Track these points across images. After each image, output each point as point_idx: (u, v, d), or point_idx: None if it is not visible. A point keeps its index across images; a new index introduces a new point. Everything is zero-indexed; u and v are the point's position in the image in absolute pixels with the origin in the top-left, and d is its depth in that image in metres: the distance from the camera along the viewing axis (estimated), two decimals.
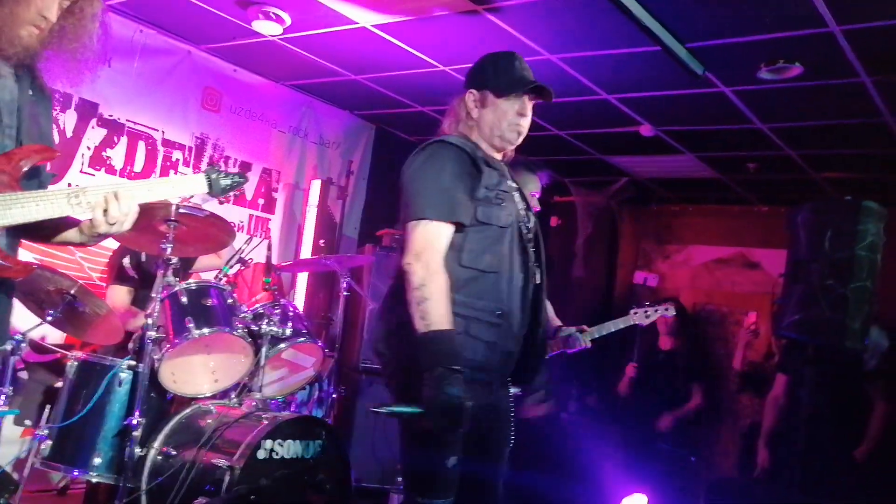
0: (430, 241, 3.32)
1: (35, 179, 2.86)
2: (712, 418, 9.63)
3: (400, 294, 3.38)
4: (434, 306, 3.20)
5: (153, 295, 4.97)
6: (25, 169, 2.76)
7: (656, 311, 6.12)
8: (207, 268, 6.22)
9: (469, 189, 3.45)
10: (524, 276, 3.63)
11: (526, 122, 3.73)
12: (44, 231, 2.89)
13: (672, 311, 6.22)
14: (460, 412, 3.11)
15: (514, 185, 3.75)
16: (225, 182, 3.13)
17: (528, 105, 3.73)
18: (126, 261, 5.81)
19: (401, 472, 3.56)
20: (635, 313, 6.03)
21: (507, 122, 3.66)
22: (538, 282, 3.75)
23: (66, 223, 2.89)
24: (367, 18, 6.01)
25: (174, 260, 5.03)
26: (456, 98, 3.82)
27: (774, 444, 6.57)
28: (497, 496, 3.72)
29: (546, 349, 4.02)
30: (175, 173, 7.08)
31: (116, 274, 5.87)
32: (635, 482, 7.08)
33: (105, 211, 2.77)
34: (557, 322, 5.54)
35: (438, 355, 3.17)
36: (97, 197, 2.80)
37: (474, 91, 3.72)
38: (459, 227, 3.41)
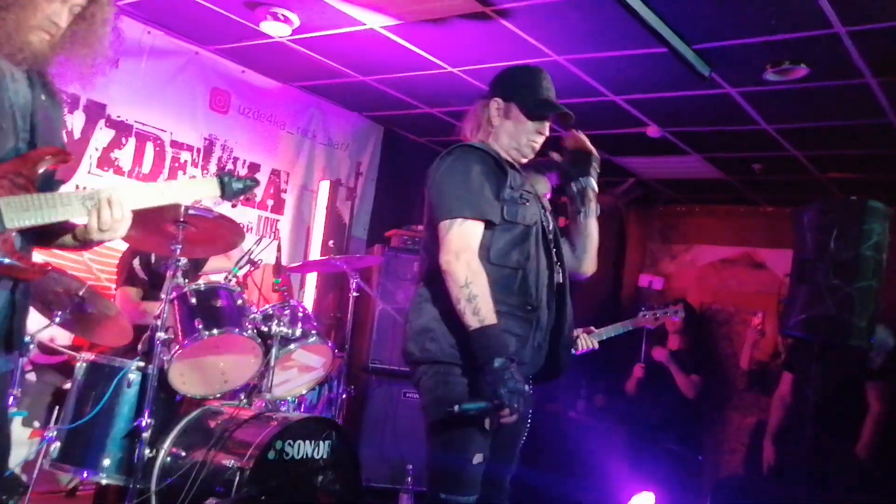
0: (467, 239, 3.43)
1: (47, 183, 2.88)
2: (713, 409, 9.65)
3: (430, 294, 3.54)
4: (484, 302, 3.33)
5: (162, 296, 5.00)
6: (41, 172, 2.78)
7: (665, 312, 6.10)
8: (217, 270, 6.24)
9: (496, 189, 3.57)
10: (549, 274, 3.71)
11: (541, 140, 3.86)
12: (47, 235, 2.92)
13: (682, 314, 6.20)
14: (523, 399, 3.26)
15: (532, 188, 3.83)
16: (237, 186, 3.18)
17: (547, 126, 3.85)
18: (136, 262, 5.84)
19: (426, 470, 3.58)
20: (644, 315, 6.01)
21: (527, 138, 3.80)
22: (561, 280, 3.81)
23: (65, 228, 2.91)
24: (375, 20, 6.03)
25: (183, 261, 5.06)
26: (479, 103, 3.90)
27: (781, 442, 6.58)
28: (506, 492, 3.80)
29: (573, 344, 4.08)
30: (183, 174, 7.11)
31: (126, 276, 5.89)
32: (643, 481, 7.10)
33: (98, 217, 2.79)
34: None
35: (495, 348, 3.30)
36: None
37: (500, 100, 3.80)
38: (488, 225, 3.51)
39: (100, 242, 2.94)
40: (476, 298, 3.33)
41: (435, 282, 3.51)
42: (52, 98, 2.97)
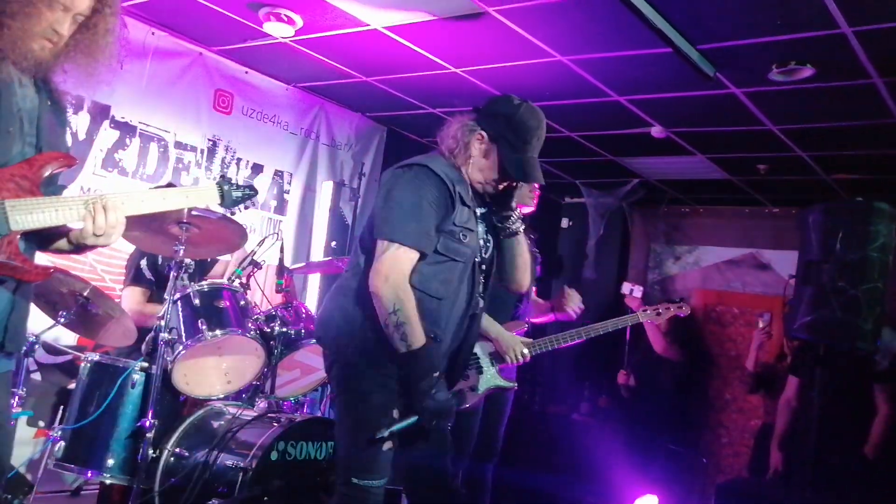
0: (399, 265, 3.52)
1: (51, 186, 2.89)
2: (717, 411, 9.65)
3: (351, 292, 3.70)
4: (412, 328, 3.45)
5: (166, 297, 5.00)
6: (46, 175, 2.79)
7: (668, 308, 6.04)
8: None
9: (439, 220, 3.61)
10: (466, 305, 3.80)
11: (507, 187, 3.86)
12: (44, 239, 2.92)
13: (687, 310, 6.12)
14: (450, 409, 3.60)
15: (480, 211, 3.86)
16: (236, 194, 3.22)
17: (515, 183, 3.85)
18: (143, 262, 5.83)
19: (335, 455, 3.85)
20: (645, 311, 5.94)
21: (495, 185, 3.80)
22: (477, 311, 3.90)
23: (60, 232, 2.92)
24: (378, 20, 6.02)
25: (188, 262, 5.06)
26: (464, 124, 3.84)
27: (788, 447, 6.56)
28: (447, 479, 3.99)
29: (465, 367, 4.20)
30: (187, 175, 7.11)
31: (133, 275, 5.88)
32: (646, 483, 7.09)
33: (93, 222, 2.79)
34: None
35: (424, 369, 3.48)
36: (114, 204, 2.84)
37: (485, 136, 3.78)
38: (422, 255, 3.60)
39: (93, 247, 2.95)
40: (403, 325, 3.44)
41: (358, 284, 3.67)
42: (58, 104, 2.99)
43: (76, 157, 3.00)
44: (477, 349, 5.08)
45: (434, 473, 3.92)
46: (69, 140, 3.13)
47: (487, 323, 5.10)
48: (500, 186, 3.81)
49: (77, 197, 2.82)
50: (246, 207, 3.32)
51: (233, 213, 3.37)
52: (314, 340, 3.97)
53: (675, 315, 6.09)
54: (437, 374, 3.52)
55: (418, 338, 3.46)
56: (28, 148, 2.80)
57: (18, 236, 2.72)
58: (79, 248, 2.95)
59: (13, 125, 2.75)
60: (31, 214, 2.70)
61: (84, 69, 2.93)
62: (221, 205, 3.21)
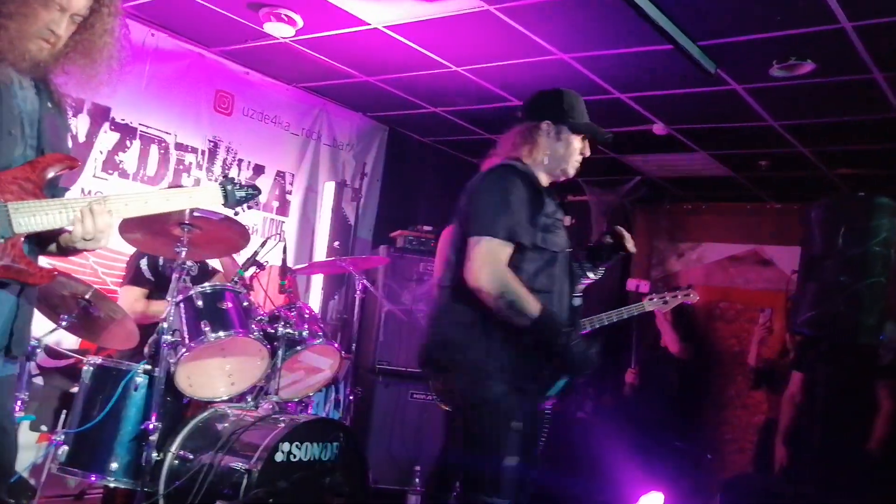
0: (492, 256, 3.59)
1: (53, 188, 2.89)
2: (721, 408, 9.64)
3: (459, 303, 3.71)
4: (525, 300, 3.55)
5: (168, 299, 5.00)
6: (48, 177, 2.79)
7: (675, 296, 6.02)
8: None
9: (531, 215, 3.71)
10: (569, 296, 3.91)
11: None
12: (42, 241, 2.92)
13: (696, 296, 6.09)
14: (593, 359, 3.68)
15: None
16: (240, 194, 3.23)
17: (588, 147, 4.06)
18: (143, 263, 5.83)
19: (460, 474, 3.84)
20: (651, 299, 5.91)
21: (575, 157, 4.02)
22: (578, 303, 4.02)
23: (52, 236, 2.91)
24: (379, 19, 6.02)
25: (190, 264, 5.05)
26: (524, 125, 4.02)
27: (792, 442, 6.55)
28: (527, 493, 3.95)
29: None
30: (188, 177, 7.10)
31: (132, 276, 5.88)
32: (652, 481, 7.08)
33: (82, 226, 2.79)
34: None
35: (554, 328, 3.61)
36: (117, 206, 2.84)
37: (550, 123, 3.95)
38: (518, 247, 3.68)
39: (83, 251, 2.94)
40: (515, 302, 3.54)
41: (463, 292, 3.66)
42: (58, 106, 3.00)
43: (78, 160, 3.00)
44: None
45: (523, 485, 3.88)
46: (70, 142, 3.14)
47: None
48: (580, 158, 4.04)
49: (80, 199, 2.83)
50: (249, 207, 3.33)
51: (236, 213, 3.37)
52: (428, 368, 3.95)
53: (682, 303, 6.07)
54: (568, 329, 3.63)
55: (534, 305, 3.55)
56: (30, 150, 2.80)
57: (22, 239, 2.72)
58: (68, 251, 2.95)
59: (14, 127, 2.76)
60: (34, 217, 2.70)
61: (83, 70, 2.94)
62: (225, 205, 3.22)
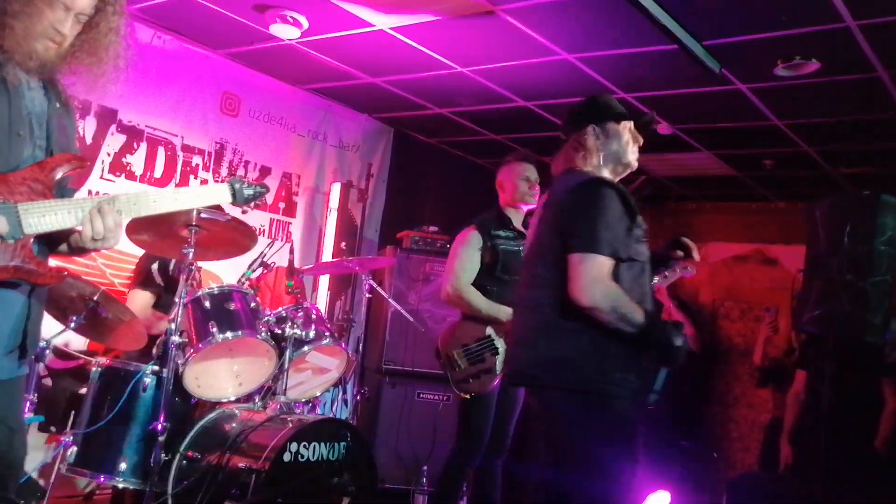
0: (599, 273, 3.58)
1: (62, 189, 2.90)
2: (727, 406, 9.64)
3: (565, 322, 3.70)
4: (633, 311, 3.59)
5: (176, 300, 5.01)
6: (58, 178, 2.81)
7: (675, 271, 6.01)
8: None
9: (626, 228, 3.72)
10: (653, 304, 3.93)
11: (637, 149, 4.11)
12: (51, 242, 2.94)
13: (693, 270, 6.07)
14: (685, 346, 3.68)
15: None
16: (248, 192, 3.23)
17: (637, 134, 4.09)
18: (154, 266, 5.85)
19: (580, 485, 3.77)
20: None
21: (631, 147, 4.05)
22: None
23: (62, 236, 2.93)
24: (384, 21, 6.03)
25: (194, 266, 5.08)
26: (571, 138, 4.05)
27: (798, 441, 6.55)
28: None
29: None
30: (195, 178, 7.12)
31: (142, 279, 5.90)
32: (658, 479, 7.08)
33: (91, 226, 2.81)
34: None
35: (659, 328, 3.63)
36: (126, 205, 2.86)
37: (595, 126, 3.99)
38: (616, 261, 3.69)
39: (92, 251, 2.96)
40: (626, 314, 3.57)
41: (569, 310, 3.66)
42: (66, 106, 3.01)
43: (87, 160, 3.01)
44: (489, 331, 5.19)
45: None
46: (78, 143, 3.15)
47: (494, 307, 5.19)
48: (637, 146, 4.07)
49: (89, 199, 2.85)
50: (257, 206, 3.34)
51: (244, 212, 3.38)
52: (526, 386, 4.04)
53: (681, 276, 6.06)
54: (670, 327, 3.66)
55: (640, 313, 3.59)
56: (39, 151, 2.82)
57: (32, 239, 2.74)
58: (77, 251, 2.98)
59: (23, 128, 2.77)
60: (44, 217, 2.72)
61: (90, 70, 2.95)
62: (233, 203, 3.23)
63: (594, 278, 3.56)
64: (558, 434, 3.85)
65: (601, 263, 3.59)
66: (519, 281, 4.20)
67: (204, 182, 7.14)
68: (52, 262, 2.98)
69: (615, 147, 3.98)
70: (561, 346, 3.72)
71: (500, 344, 5.23)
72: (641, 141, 4.09)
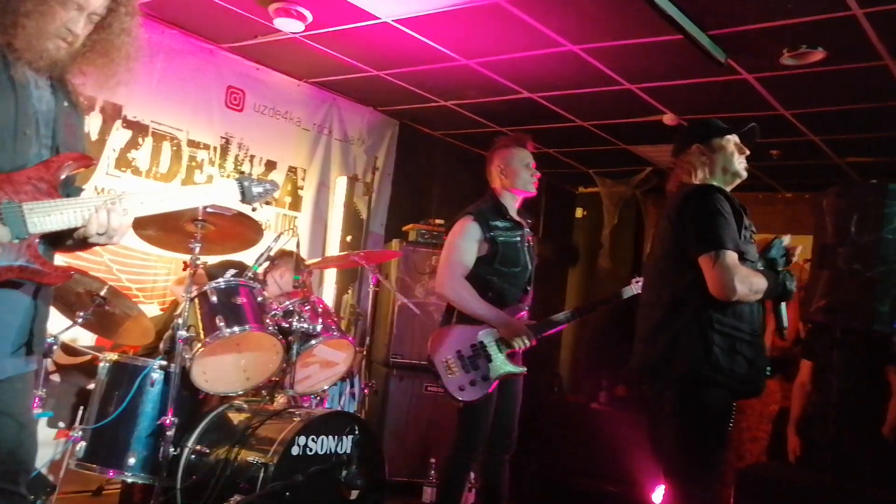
0: (733, 265, 3.93)
1: (68, 188, 2.91)
2: None
3: (683, 315, 4.06)
4: (761, 283, 4.03)
5: (183, 294, 5.02)
6: (63, 177, 2.81)
7: None
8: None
9: (736, 228, 4.08)
10: (760, 306, 4.25)
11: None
12: (57, 238, 2.92)
13: None
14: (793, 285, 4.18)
15: None
16: (257, 189, 3.24)
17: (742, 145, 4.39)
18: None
19: (673, 470, 4.16)
20: (637, 282, 5.84)
21: (737, 158, 4.37)
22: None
23: (70, 233, 2.91)
24: (388, 13, 6.02)
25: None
26: (679, 160, 4.43)
27: (805, 430, 6.55)
28: None
29: None
30: (200, 174, 7.12)
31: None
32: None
33: (97, 222, 2.80)
34: None
35: (780, 283, 4.13)
36: (133, 204, 2.86)
37: (699, 145, 4.33)
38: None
39: (96, 245, 2.95)
40: (757, 288, 4.01)
41: (687, 304, 4.04)
42: (75, 105, 3.00)
43: (94, 159, 3.01)
44: (482, 337, 5.15)
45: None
46: (85, 141, 3.15)
47: (489, 311, 5.15)
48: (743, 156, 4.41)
49: (95, 197, 2.84)
50: (267, 203, 3.34)
51: (254, 209, 3.38)
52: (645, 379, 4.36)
53: None
54: (781, 275, 4.15)
55: (763, 281, 4.03)
56: (45, 150, 2.82)
57: (37, 239, 2.74)
58: (80, 244, 2.96)
59: (29, 127, 2.77)
60: (48, 217, 2.72)
61: (101, 70, 2.95)
62: (242, 201, 3.23)
63: (731, 272, 3.90)
64: (661, 421, 4.15)
65: (731, 257, 3.93)
66: (643, 284, 4.61)
67: (209, 177, 7.14)
68: (59, 259, 2.97)
69: (721, 160, 4.30)
70: (672, 340, 4.05)
71: (494, 350, 5.18)
72: (748, 151, 4.40)
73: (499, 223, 5.32)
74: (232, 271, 5.50)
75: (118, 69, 2.98)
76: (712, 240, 3.95)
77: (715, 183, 4.25)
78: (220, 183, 3.12)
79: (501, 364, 5.14)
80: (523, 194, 5.49)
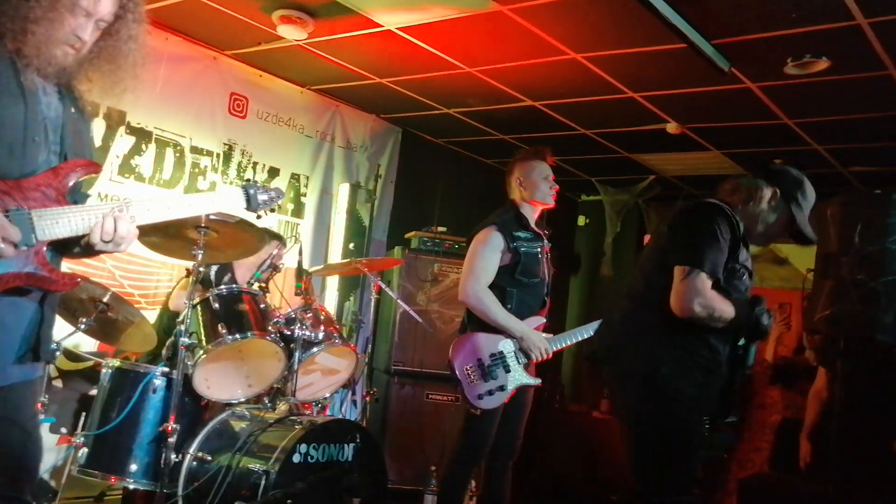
0: (702, 288, 3.91)
1: (75, 194, 2.91)
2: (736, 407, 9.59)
3: (657, 320, 4.05)
4: (725, 311, 3.96)
5: (185, 301, 5.02)
6: (71, 184, 2.81)
7: None
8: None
9: (727, 255, 4.04)
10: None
11: None
12: (64, 245, 2.92)
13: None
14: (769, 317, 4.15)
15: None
16: (262, 197, 3.25)
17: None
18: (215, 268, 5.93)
19: (644, 480, 4.20)
20: None
21: (770, 234, 4.39)
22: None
23: (77, 240, 2.91)
24: (391, 21, 6.03)
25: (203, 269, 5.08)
26: (754, 183, 4.31)
27: (816, 439, 6.54)
28: None
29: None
30: (203, 180, 7.12)
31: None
32: None
33: (102, 230, 2.80)
34: None
35: (748, 312, 4.05)
36: (140, 211, 2.85)
37: (778, 193, 4.25)
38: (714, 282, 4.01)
39: (102, 253, 2.94)
40: (719, 315, 3.94)
41: (662, 310, 4.01)
42: (82, 112, 3.00)
43: (101, 165, 3.01)
44: (502, 347, 5.17)
45: None
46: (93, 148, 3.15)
47: (510, 321, 5.16)
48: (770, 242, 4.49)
49: (102, 204, 2.84)
50: (272, 210, 3.34)
51: (259, 217, 3.38)
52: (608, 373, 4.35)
53: None
54: (757, 309, 4.09)
55: (729, 310, 3.96)
56: (53, 157, 2.81)
57: (45, 246, 2.74)
58: (87, 250, 2.95)
59: (38, 134, 2.77)
60: (57, 224, 2.72)
61: (108, 76, 2.94)
62: (248, 208, 3.24)
63: (696, 293, 3.91)
64: (635, 422, 4.21)
65: (702, 280, 3.92)
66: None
67: (212, 184, 7.14)
68: (64, 266, 2.97)
69: (769, 220, 4.29)
70: (634, 336, 4.17)
71: (513, 361, 5.20)
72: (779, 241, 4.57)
73: (521, 234, 5.35)
74: (274, 242, 5.67)
75: (124, 76, 2.97)
76: (692, 256, 3.95)
77: (739, 214, 4.22)
78: (224, 190, 3.11)
79: (519, 375, 5.19)
80: (542, 206, 5.52)
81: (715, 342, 4.07)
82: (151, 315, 6.11)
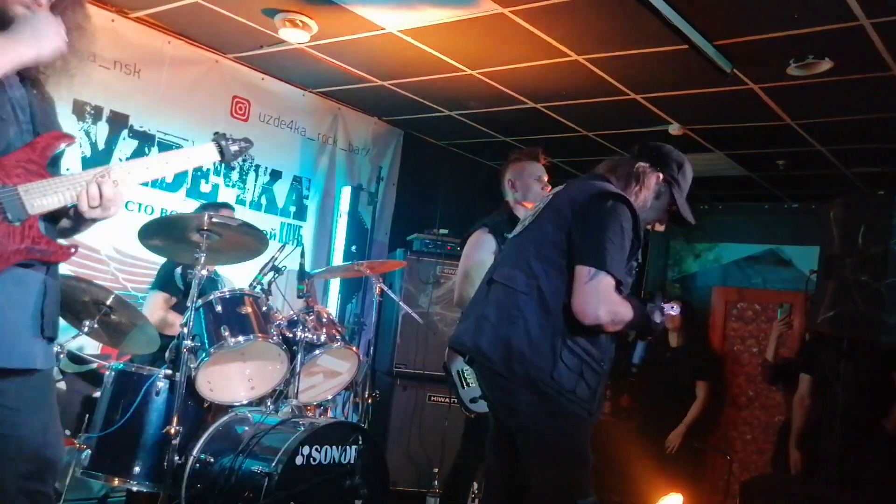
0: (608, 291, 3.73)
1: (55, 167, 2.97)
2: (740, 408, 9.61)
3: (548, 323, 3.80)
4: (627, 315, 3.81)
5: (188, 304, 5.03)
6: (49, 156, 2.86)
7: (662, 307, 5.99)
8: None
9: (629, 254, 3.88)
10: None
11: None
12: (54, 219, 2.97)
13: (677, 310, 6.07)
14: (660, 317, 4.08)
15: None
16: (234, 148, 3.35)
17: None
18: (178, 271, 5.89)
19: (541, 490, 3.89)
20: (672, 307, 5.84)
21: (656, 222, 4.25)
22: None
23: (63, 212, 2.96)
24: (393, 24, 6.03)
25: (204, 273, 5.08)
26: (639, 164, 4.10)
27: (807, 444, 6.54)
28: None
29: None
30: (206, 183, 7.12)
31: (164, 282, 5.94)
32: (671, 482, 7.07)
33: (87, 195, 2.85)
34: None
35: (644, 316, 3.93)
36: (121, 175, 2.90)
37: (661, 177, 4.09)
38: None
39: (93, 221, 2.98)
40: (621, 319, 3.80)
41: (549, 307, 3.81)
42: (42, 94, 3.04)
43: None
44: None
45: None
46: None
47: None
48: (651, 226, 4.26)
49: (86, 172, 2.90)
50: (244, 160, 3.42)
51: (233, 168, 3.47)
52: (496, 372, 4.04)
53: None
54: (650, 307, 3.99)
55: (629, 313, 3.82)
56: (26, 134, 2.86)
57: (38, 219, 2.80)
58: (77, 221, 3.01)
59: (5, 112, 2.80)
60: (45, 197, 2.78)
61: (56, 67, 2.99)
62: (222, 160, 3.33)
63: (603, 298, 3.75)
64: (525, 428, 3.99)
65: (610, 283, 3.77)
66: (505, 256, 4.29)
67: (214, 187, 7.14)
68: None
69: (657, 208, 4.13)
70: (535, 343, 3.88)
71: None
72: (662, 228, 4.36)
73: None
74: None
75: (69, 64, 3.02)
76: (599, 257, 3.72)
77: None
78: (198, 146, 3.15)
79: None
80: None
81: (606, 341, 3.94)
82: None
